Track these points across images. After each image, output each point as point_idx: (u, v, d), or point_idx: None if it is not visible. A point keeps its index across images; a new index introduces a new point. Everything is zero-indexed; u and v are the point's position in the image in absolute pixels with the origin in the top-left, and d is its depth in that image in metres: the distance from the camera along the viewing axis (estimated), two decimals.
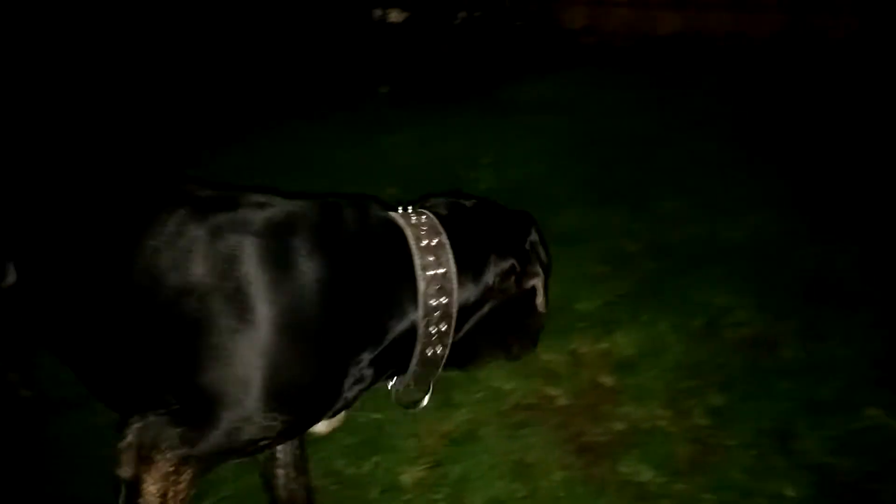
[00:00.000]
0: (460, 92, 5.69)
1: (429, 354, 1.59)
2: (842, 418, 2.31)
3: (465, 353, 1.69)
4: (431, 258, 1.54)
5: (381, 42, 6.45)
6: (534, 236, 1.77)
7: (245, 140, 4.70)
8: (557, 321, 2.84)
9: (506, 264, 1.66)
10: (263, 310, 1.41)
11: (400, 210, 1.67)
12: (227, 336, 1.39)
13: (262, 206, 1.54)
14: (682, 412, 2.40)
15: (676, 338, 2.71)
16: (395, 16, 6.62)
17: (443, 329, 1.57)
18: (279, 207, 1.55)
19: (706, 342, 2.71)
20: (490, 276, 1.64)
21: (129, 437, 1.40)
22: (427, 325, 1.55)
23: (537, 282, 1.74)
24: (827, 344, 2.64)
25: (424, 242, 1.56)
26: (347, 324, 1.50)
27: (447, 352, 1.61)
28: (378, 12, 6.70)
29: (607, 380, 2.59)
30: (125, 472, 1.40)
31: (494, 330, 1.73)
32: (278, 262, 1.45)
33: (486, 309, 1.66)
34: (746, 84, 5.47)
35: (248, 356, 1.40)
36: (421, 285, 1.53)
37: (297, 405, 1.48)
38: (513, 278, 1.68)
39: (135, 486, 1.39)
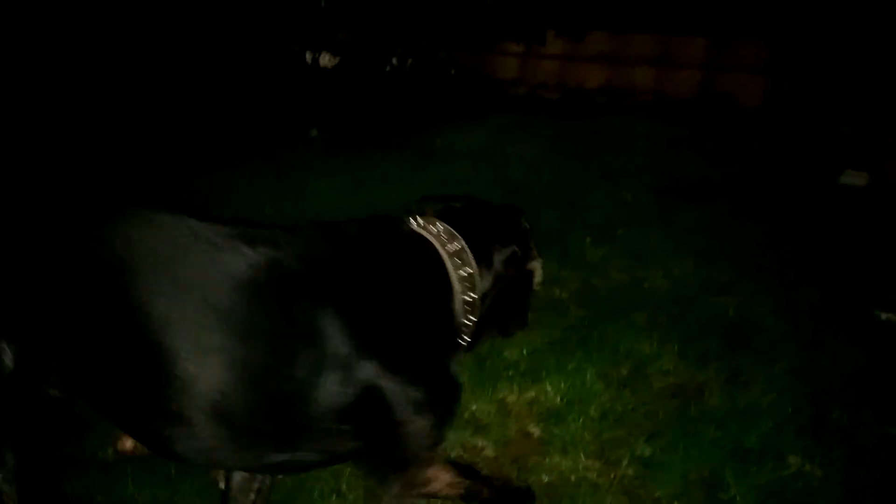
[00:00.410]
0: (392, 138, 5.71)
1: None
2: (767, 466, 2.32)
3: (474, 337, 1.79)
4: (458, 261, 1.72)
5: (313, 86, 6.42)
6: (525, 224, 1.91)
7: (175, 189, 4.55)
8: (485, 370, 2.81)
9: (508, 251, 1.81)
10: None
11: (413, 221, 1.78)
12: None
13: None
14: (611, 463, 2.36)
15: (603, 386, 2.69)
16: (326, 60, 6.62)
17: (470, 321, 1.72)
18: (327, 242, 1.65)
19: (633, 390, 2.69)
20: (498, 265, 1.80)
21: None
22: (461, 321, 1.71)
23: (536, 263, 1.90)
24: (750, 391, 2.67)
25: (450, 249, 1.72)
26: (440, 331, 1.68)
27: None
28: (310, 56, 6.68)
29: (535, 430, 2.53)
30: None
31: (498, 311, 1.85)
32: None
33: (494, 293, 1.80)
34: (668, 138, 5.68)
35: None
36: (456, 287, 1.70)
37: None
38: (514, 263, 1.83)
39: None
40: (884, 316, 3.23)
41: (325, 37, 6.63)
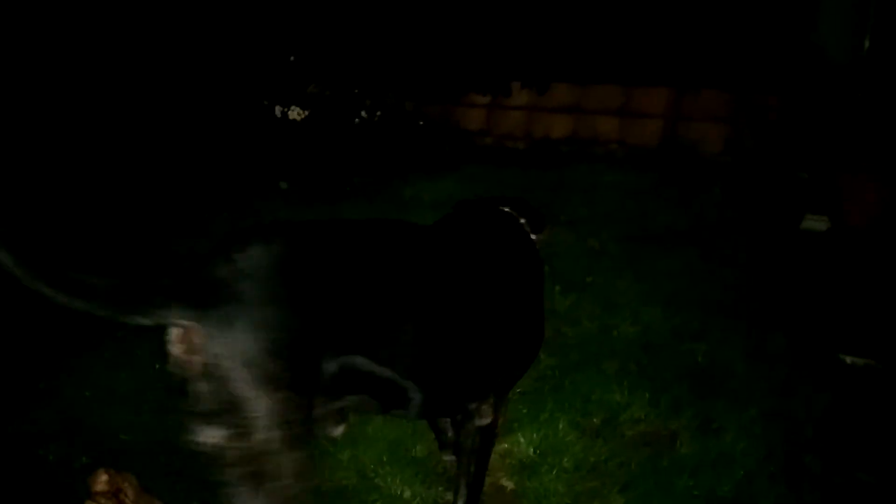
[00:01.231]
0: (361, 189, 5.72)
1: None
2: None
3: None
4: (528, 229, 2.30)
5: (282, 139, 6.44)
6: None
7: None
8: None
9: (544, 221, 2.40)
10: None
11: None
12: None
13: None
14: None
15: (576, 436, 2.66)
16: (295, 114, 6.67)
17: None
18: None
19: (606, 440, 2.67)
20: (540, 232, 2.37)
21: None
22: None
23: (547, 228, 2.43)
24: (722, 438, 2.66)
25: (522, 221, 2.31)
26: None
27: None
28: (279, 110, 6.73)
29: (508, 483, 2.50)
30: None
31: None
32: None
33: None
34: (634, 186, 5.78)
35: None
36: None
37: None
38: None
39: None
40: (849, 360, 3.27)
41: (295, 90, 6.69)
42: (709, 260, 4.35)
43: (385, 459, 2.57)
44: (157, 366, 3.08)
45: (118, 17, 5.92)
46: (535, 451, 2.60)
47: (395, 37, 6.71)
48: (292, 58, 6.79)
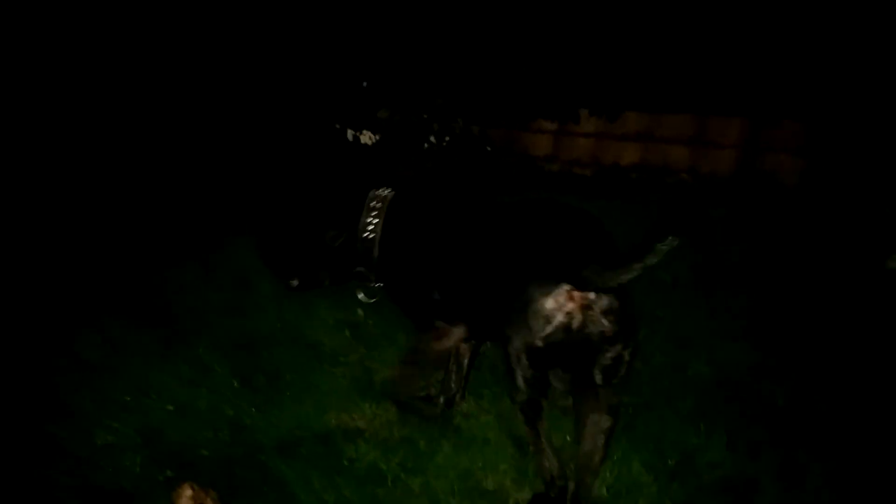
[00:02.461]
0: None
1: None
2: None
3: None
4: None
5: (354, 162, 6.59)
6: None
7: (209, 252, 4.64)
8: (528, 456, 2.75)
9: None
10: None
11: None
12: None
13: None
14: None
15: (650, 478, 2.61)
16: (367, 138, 6.81)
17: None
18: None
19: (681, 483, 2.60)
20: None
21: None
22: None
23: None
24: (805, 487, 2.56)
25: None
26: None
27: None
28: (351, 134, 6.88)
29: None
30: None
31: None
32: None
33: None
34: (706, 216, 5.66)
35: None
36: None
37: None
38: None
39: None
40: None
41: (366, 116, 6.84)
42: (787, 296, 4.21)
43: (456, 489, 2.56)
44: (235, 384, 3.18)
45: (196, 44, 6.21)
46: (608, 491, 2.56)
47: (465, 63, 6.80)
48: (365, 84, 6.96)
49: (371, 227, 2.72)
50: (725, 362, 3.49)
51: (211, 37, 6.49)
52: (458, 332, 2.69)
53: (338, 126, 6.92)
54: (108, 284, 4.24)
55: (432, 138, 6.88)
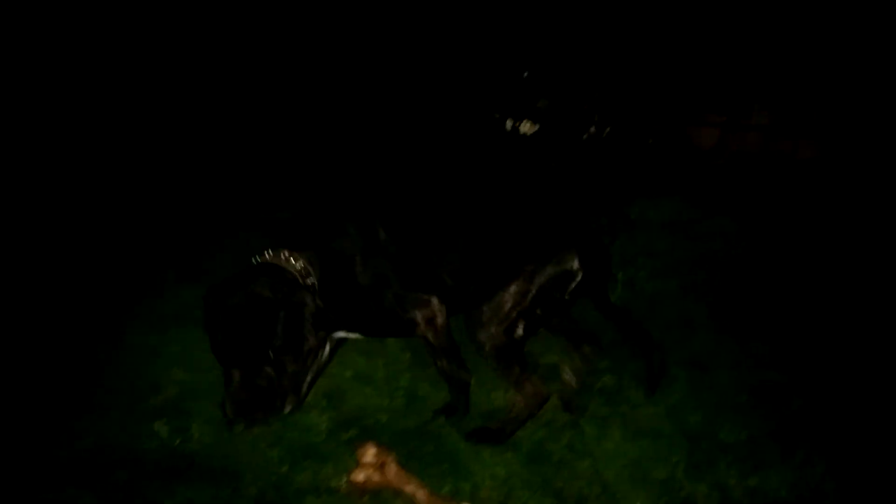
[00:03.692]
0: (586, 206, 5.73)
1: None
2: None
3: None
4: None
5: (512, 151, 6.66)
6: None
7: None
8: (701, 449, 2.71)
9: None
10: None
11: None
12: None
13: None
14: None
15: (838, 485, 2.48)
16: (526, 127, 6.85)
17: None
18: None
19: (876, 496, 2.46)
20: None
21: None
22: None
23: None
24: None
25: None
26: None
27: None
28: (510, 123, 6.95)
29: None
30: None
31: None
32: None
33: None
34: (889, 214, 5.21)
35: None
36: None
37: None
38: None
39: None
40: None
41: (526, 105, 6.88)
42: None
43: (626, 476, 2.58)
44: (408, 355, 3.35)
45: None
46: (790, 493, 2.47)
47: (629, 54, 6.66)
48: (526, 73, 7.00)
49: None
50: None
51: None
52: None
53: (497, 116, 7.01)
54: None
55: (592, 129, 6.80)
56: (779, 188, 6.23)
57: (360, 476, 2.44)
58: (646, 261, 4.57)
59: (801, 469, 2.56)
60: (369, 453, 2.51)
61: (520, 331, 2.71)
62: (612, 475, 2.59)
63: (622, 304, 3.92)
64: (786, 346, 3.43)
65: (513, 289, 2.68)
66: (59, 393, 3.00)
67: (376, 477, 2.45)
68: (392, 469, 2.48)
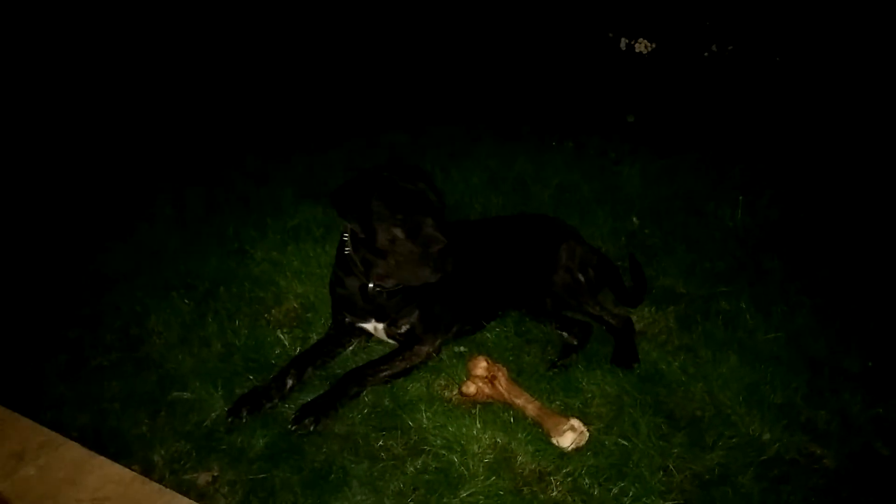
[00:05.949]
0: (708, 127, 5.41)
1: None
2: None
3: None
4: None
5: (627, 73, 6.38)
6: None
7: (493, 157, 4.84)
8: (823, 376, 2.62)
9: None
10: None
11: None
12: None
13: None
14: None
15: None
16: (642, 47, 6.53)
17: None
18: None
19: None
20: None
21: None
22: None
23: None
24: None
25: None
26: None
27: None
28: (624, 43, 6.65)
29: (884, 450, 2.30)
30: None
31: None
32: None
33: None
34: None
35: None
36: None
37: None
38: None
39: None
40: None
41: (642, 23, 6.54)
42: None
43: (742, 399, 2.52)
44: None
45: None
46: None
47: None
48: None
49: None
50: None
51: None
52: None
53: (610, 35, 6.71)
54: None
55: (714, 47, 6.39)
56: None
57: (471, 388, 2.52)
58: (767, 185, 4.33)
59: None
60: (480, 367, 2.57)
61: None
62: (728, 398, 2.54)
63: (743, 229, 3.79)
64: None
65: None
66: (192, 302, 3.23)
67: (487, 389, 2.52)
68: (503, 382, 2.53)
